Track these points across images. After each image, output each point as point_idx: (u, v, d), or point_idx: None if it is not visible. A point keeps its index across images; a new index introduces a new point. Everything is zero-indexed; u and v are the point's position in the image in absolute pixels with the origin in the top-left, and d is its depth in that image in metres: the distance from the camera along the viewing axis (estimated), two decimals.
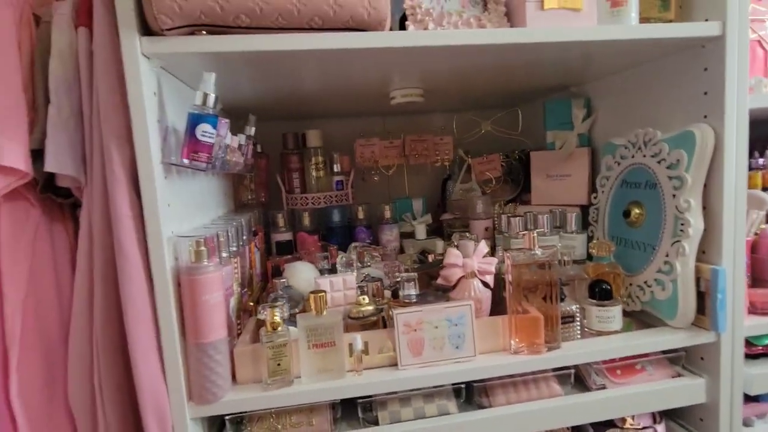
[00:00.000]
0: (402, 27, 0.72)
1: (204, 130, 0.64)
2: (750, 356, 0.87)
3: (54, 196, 0.70)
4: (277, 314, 0.69)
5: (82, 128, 0.66)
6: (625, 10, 0.72)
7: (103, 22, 0.62)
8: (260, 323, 0.75)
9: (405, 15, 0.72)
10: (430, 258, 1.06)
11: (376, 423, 0.75)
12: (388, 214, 1.22)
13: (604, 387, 0.81)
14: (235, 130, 0.91)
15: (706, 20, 0.76)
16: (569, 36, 0.69)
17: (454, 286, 0.82)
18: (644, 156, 0.88)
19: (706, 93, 0.78)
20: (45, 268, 0.69)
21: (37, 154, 0.65)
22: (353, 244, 1.02)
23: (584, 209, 1.08)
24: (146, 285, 0.63)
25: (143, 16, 0.60)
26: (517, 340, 0.77)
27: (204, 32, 0.62)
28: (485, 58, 0.78)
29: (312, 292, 0.72)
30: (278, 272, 0.95)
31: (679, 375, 0.84)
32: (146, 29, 0.61)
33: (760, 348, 0.87)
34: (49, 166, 0.63)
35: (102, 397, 0.64)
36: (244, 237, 0.92)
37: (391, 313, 0.75)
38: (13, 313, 0.65)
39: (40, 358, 0.68)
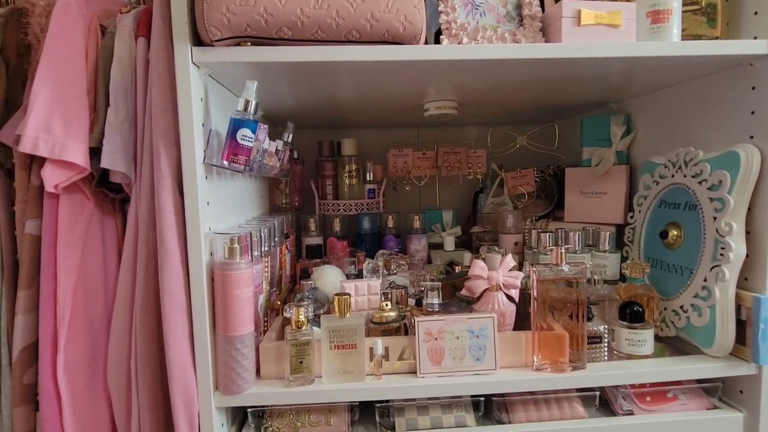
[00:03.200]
0: (437, 41, 0.74)
1: (244, 135, 0.68)
2: None
3: (107, 191, 0.76)
4: (302, 313, 0.72)
5: (136, 130, 0.72)
6: (667, 26, 0.71)
7: (159, 34, 0.68)
8: (286, 322, 0.77)
9: (441, 29, 0.73)
10: (457, 269, 1.06)
11: (392, 429, 0.76)
12: (417, 224, 1.23)
13: (631, 413, 0.78)
14: (274, 135, 0.96)
15: (755, 38, 0.73)
16: (604, 52, 0.68)
17: (479, 299, 0.82)
18: (685, 176, 0.85)
19: (753, 113, 0.75)
20: (95, 256, 0.75)
21: (94, 152, 0.71)
22: (380, 252, 1.03)
23: (620, 229, 1.05)
24: (183, 277, 0.67)
25: (195, 29, 0.65)
26: (540, 356, 0.75)
27: (249, 43, 0.66)
28: (519, 72, 0.78)
29: (336, 295, 0.74)
30: (306, 274, 0.98)
31: (715, 407, 0.80)
32: (197, 40, 0.66)
33: None
34: (104, 162, 0.69)
35: (137, 379, 0.69)
36: (276, 238, 0.95)
37: (413, 320, 0.76)
38: (64, 295, 0.70)
39: (85, 339, 0.73)
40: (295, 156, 1.29)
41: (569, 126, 1.26)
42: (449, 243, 1.22)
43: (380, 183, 1.28)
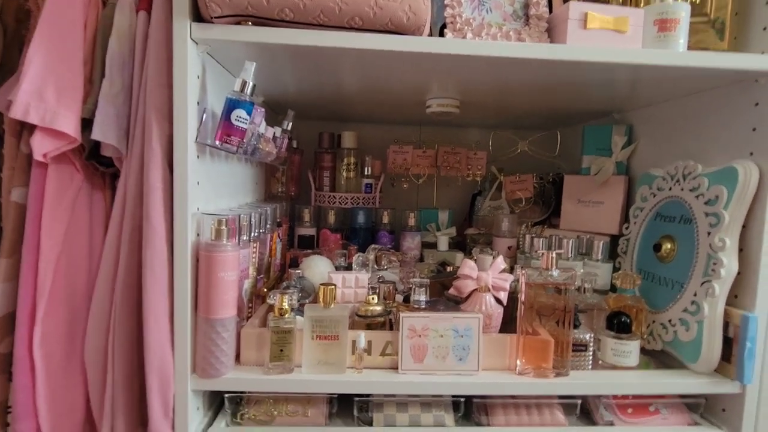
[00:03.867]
0: (442, 35, 0.73)
1: (239, 116, 0.67)
2: None
3: (97, 165, 0.75)
4: (285, 301, 0.71)
5: (130, 103, 0.71)
6: (674, 35, 0.70)
7: (160, 7, 0.67)
8: (271, 309, 0.76)
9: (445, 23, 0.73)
10: (449, 270, 1.05)
11: (370, 424, 0.75)
12: (412, 221, 1.22)
13: (612, 424, 0.77)
14: (276, 124, 0.96)
15: (763, 53, 0.73)
16: (607, 56, 0.67)
17: (467, 299, 0.81)
18: (682, 189, 0.84)
19: (754, 129, 0.74)
20: (81, 230, 0.74)
21: (87, 124, 0.70)
22: (372, 246, 1.02)
23: (614, 239, 1.04)
24: (167, 255, 0.66)
25: (196, 4, 0.64)
26: (523, 361, 0.74)
27: (250, 23, 0.65)
28: (522, 73, 0.77)
29: (322, 284, 0.73)
30: (296, 263, 0.97)
31: (697, 424, 0.79)
32: (198, 16, 0.65)
33: None
34: (95, 134, 0.68)
35: (113, 356, 0.67)
36: (268, 225, 0.94)
37: (398, 316, 0.75)
38: (46, 267, 0.69)
39: (65, 313, 0.72)
40: (295, 145, 1.28)
41: (572, 134, 1.25)
42: (443, 243, 1.21)
43: (378, 178, 1.28)
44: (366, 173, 1.27)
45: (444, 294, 0.88)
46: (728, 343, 0.75)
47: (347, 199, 1.25)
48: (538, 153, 1.26)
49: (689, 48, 0.73)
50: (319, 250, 1.13)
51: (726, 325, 0.75)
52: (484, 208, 1.32)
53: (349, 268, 0.96)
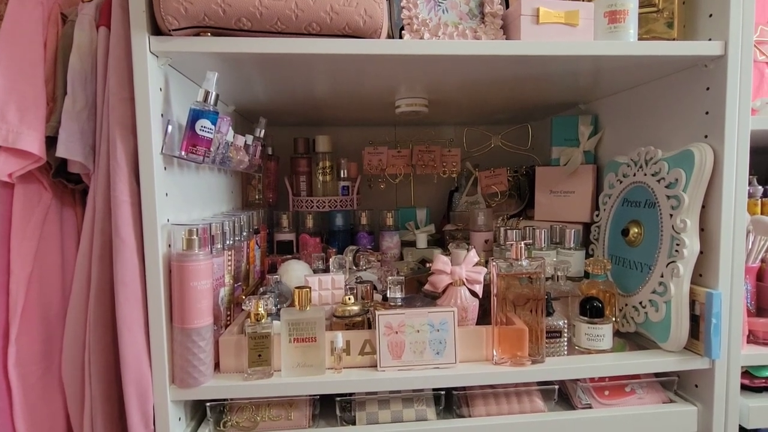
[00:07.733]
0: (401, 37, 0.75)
1: (203, 126, 0.68)
2: (751, 388, 0.83)
3: (66, 182, 0.75)
4: (261, 306, 0.71)
5: (95, 119, 0.71)
6: (623, 26, 0.72)
7: (119, 21, 0.67)
8: (249, 316, 0.77)
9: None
10: (428, 266, 1.07)
11: (353, 423, 0.76)
12: (390, 221, 1.24)
13: (590, 406, 0.79)
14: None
15: (710, 39, 0.75)
16: (559, 50, 0.69)
17: (443, 293, 0.83)
18: (645, 174, 0.87)
19: (707, 113, 0.77)
20: (52, 248, 0.74)
21: (53, 141, 0.70)
22: (349, 247, 1.03)
23: (587, 227, 1.06)
24: (139, 268, 0.66)
25: (154, 18, 0.64)
26: (500, 350, 0.76)
27: (209, 34, 0.66)
28: (482, 69, 0.79)
29: (297, 287, 0.74)
30: (274, 269, 0.97)
31: (672, 401, 0.81)
32: (156, 29, 0.66)
33: (762, 380, 0.83)
34: (60, 152, 0.68)
35: (90, 372, 0.67)
36: (244, 233, 0.95)
37: (374, 314, 0.76)
38: (17, 287, 0.69)
39: (40, 332, 0.72)
40: (270, 152, 1.28)
41: (542, 127, 1.27)
42: (422, 241, 1.22)
43: (354, 180, 1.29)
44: (342, 176, 1.28)
45: (421, 290, 0.90)
46: (696, 320, 0.77)
47: (325, 202, 1.25)
48: (511, 147, 1.28)
49: (641, 38, 0.75)
50: (298, 254, 1.14)
51: (693, 304, 0.77)
52: (461, 204, 1.34)
53: (327, 270, 0.97)
